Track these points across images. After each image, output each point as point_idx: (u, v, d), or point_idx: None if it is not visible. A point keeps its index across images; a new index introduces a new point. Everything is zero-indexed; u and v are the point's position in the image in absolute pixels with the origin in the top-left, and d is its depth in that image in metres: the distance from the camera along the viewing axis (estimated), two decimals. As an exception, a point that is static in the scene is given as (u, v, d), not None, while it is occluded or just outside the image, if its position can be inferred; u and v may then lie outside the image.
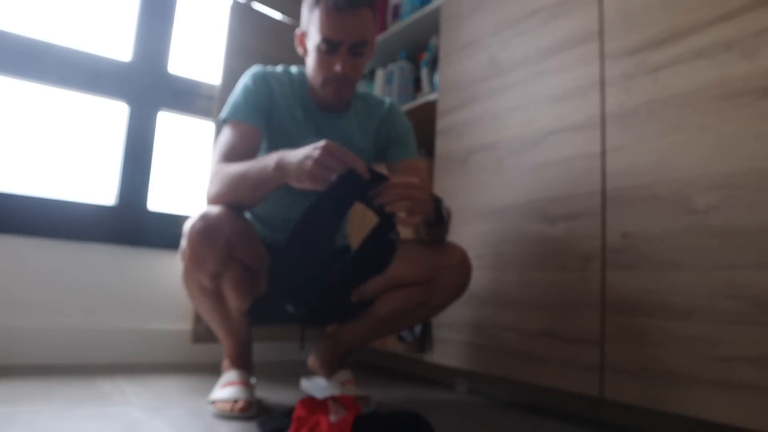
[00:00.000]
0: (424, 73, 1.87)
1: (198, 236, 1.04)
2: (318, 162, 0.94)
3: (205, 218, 1.04)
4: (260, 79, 1.23)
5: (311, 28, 1.17)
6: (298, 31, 1.24)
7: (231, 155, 1.14)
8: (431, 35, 1.90)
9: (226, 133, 1.18)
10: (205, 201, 1.13)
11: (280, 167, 1.00)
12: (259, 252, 1.16)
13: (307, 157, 0.95)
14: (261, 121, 1.21)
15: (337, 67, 1.16)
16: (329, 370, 1.32)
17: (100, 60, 1.75)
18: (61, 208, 1.62)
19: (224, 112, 1.20)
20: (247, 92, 1.21)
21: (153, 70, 1.84)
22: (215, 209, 1.06)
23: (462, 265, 1.20)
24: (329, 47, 1.15)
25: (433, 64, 1.84)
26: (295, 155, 0.98)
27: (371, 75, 2.14)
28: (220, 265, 1.06)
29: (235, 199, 1.08)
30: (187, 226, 1.06)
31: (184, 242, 1.07)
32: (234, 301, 1.14)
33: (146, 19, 1.84)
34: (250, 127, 1.18)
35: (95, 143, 1.75)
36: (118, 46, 1.81)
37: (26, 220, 1.56)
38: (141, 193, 1.78)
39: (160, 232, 1.76)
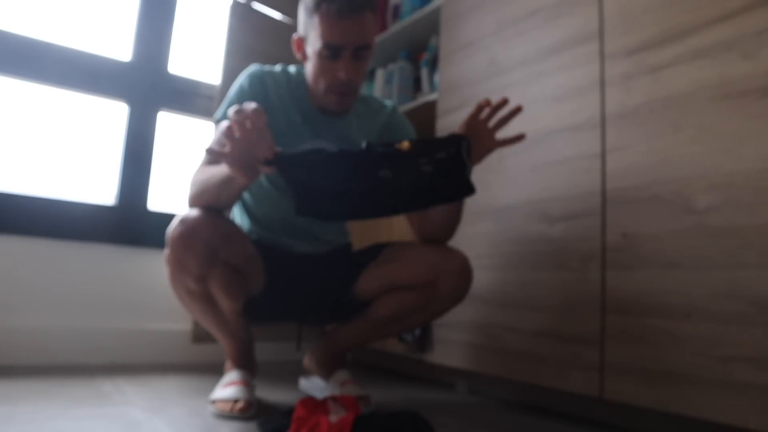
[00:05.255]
0: (424, 73, 1.87)
1: (178, 240, 1.04)
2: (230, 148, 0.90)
3: (183, 222, 1.05)
4: (256, 80, 1.21)
5: (311, 33, 1.14)
6: (295, 36, 1.21)
7: (216, 160, 1.13)
8: (431, 35, 1.90)
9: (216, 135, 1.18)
10: (186, 204, 1.13)
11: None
12: (245, 251, 1.15)
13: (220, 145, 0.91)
14: None
15: (341, 74, 1.13)
16: (326, 369, 1.32)
17: (100, 60, 1.74)
18: (61, 208, 1.62)
19: (219, 112, 1.20)
20: (242, 94, 1.19)
21: (153, 70, 1.84)
22: (194, 212, 1.06)
23: (463, 272, 1.18)
24: (331, 53, 1.12)
25: (433, 64, 1.84)
26: None
27: (371, 75, 2.14)
28: (204, 267, 1.06)
29: (204, 201, 1.07)
30: (168, 231, 1.06)
31: (166, 248, 1.07)
32: (225, 302, 1.13)
33: (146, 19, 1.84)
34: None
35: (95, 143, 1.75)
36: (118, 46, 1.81)
37: (26, 220, 1.56)
38: (141, 193, 1.78)
39: (160, 232, 1.75)
